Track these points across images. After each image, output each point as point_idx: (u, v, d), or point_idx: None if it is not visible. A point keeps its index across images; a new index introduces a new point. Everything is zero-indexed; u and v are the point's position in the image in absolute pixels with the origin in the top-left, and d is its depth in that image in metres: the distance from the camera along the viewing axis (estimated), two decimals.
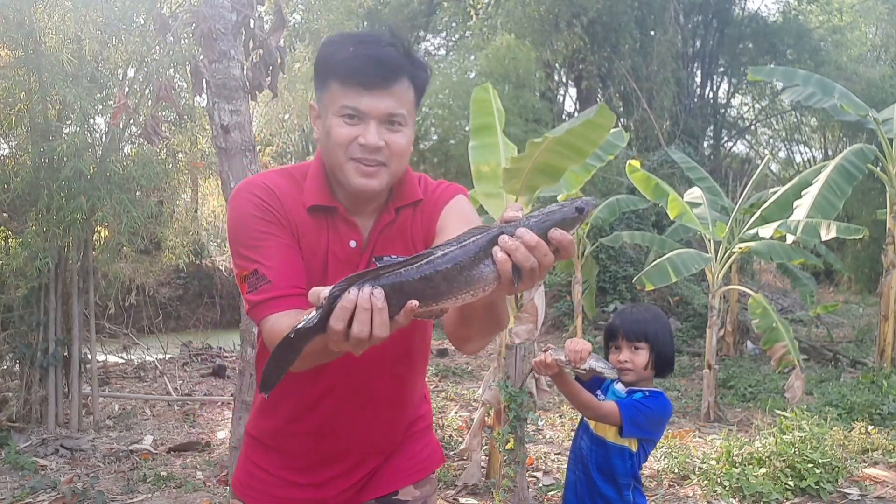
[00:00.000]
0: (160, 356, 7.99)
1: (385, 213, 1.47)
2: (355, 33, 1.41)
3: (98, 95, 5.03)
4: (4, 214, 5.19)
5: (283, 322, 1.27)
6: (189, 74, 4.37)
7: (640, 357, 2.21)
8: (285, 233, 1.41)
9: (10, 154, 5.23)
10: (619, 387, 2.29)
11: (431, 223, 1.48)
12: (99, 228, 5.50)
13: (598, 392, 2.30)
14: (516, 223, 1.09)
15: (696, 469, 4.16)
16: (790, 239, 5.95)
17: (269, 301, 1.34)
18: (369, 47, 1.34)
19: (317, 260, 1.44)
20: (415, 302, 1.07)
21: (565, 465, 4.46)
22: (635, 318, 2.24)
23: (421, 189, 1.51)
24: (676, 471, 4.16)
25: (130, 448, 4.84)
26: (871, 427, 4.95)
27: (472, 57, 13.50)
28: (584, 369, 2.07)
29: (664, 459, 4.28)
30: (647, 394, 2.23)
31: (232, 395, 5.27)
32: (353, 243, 1.45)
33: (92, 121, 5.20)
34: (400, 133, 1.38)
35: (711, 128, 18.07)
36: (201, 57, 3.97)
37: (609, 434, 2.22)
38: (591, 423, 2.28)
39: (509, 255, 1.05)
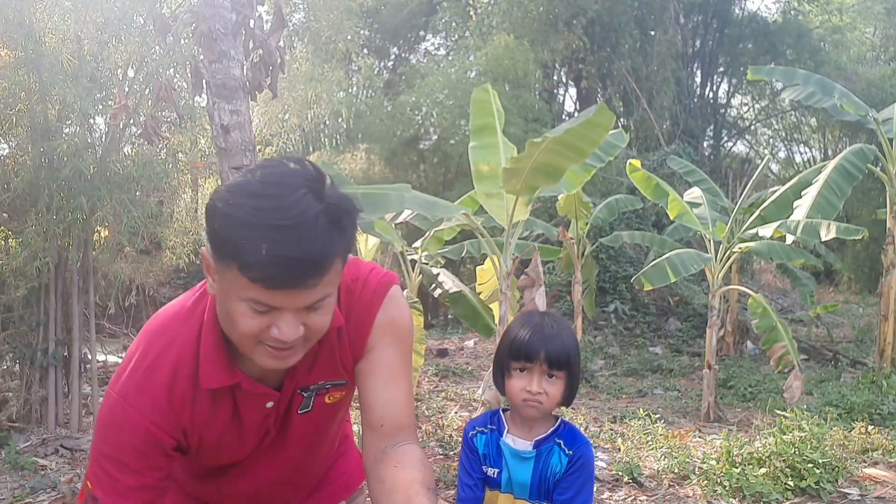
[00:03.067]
0: None
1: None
2: (266, 207, 1.03)
3: (98, 95, 5.03)
4: (4, 214, 5.18)
5: None
6: (189, 74, 4.38)
7: (555, 388, 1.66)
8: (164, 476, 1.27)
9: (10, 154, 5.22)
10: (519, 444, 1.70)
11: (361, 340, 1.31)
12: (99, 228, 5.49)
13: (486, 467, 1.72)
14: None
15: (696, 469, 4.16)
16: (790, 239, 5.95)
17: None
18: (289, 245, 1.02)
19: (228, 437, 1.30)
20: None
21: None
22: (556, 334, 1.67)
23: (344, 305, 1.28)
24: (676, 471, 4.16)
25: None
26: (871, 427, 4.95)
27: (472, 57, 13.50)
28: None
29: (664, 459, 4.28)
30: (570, 452, 1.68)
31: None
32: (269, 404, 1.30)
33: (92, 121, 5.21)
34: (322, 310, 1.14)
35: (711, 128, 18.06)
36: (201, 57, 3.98)
37: None
38: None
39: None
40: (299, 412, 1.33)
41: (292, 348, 1.15)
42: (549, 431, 1.70)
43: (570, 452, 1.68)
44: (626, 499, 3.83)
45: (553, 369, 1.65)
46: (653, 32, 15.16)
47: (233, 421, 1.29)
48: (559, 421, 1.73)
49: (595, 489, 3.77)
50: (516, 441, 1.71)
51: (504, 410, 1.76)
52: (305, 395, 1.31)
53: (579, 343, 7.24)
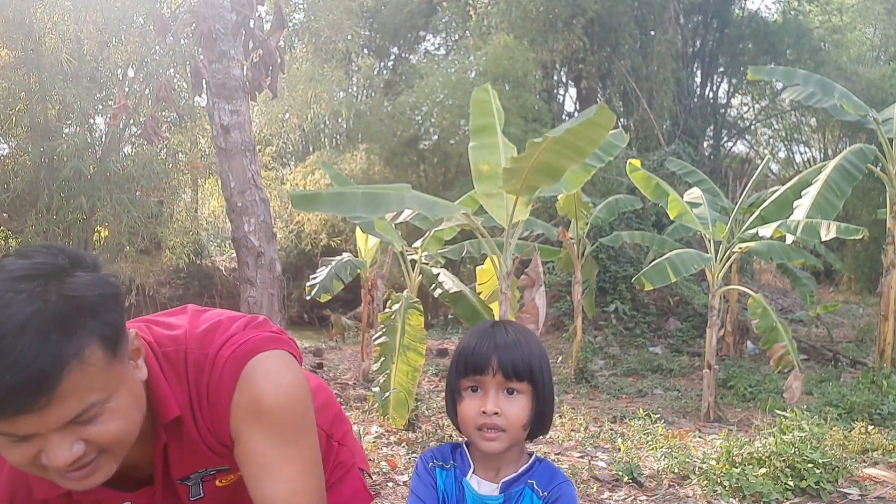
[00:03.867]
0: None
1: (155, 440, 1.12)
2: None
3: (98, 95, 5.05)
4: (4, 214, 5.19)
5: None
6: (189, 74, 4.38)
7: (516, 406, 1.32)
8: None
9: (10, 154, 5.23)
10: (484, 488, 1.38)
11: (221, 426, 1.12)
12: (99, 228, 5.51)
13: None
14: None
15: (696, 469, 4.15)
16: (790, 239, 5.95)
17: None
18: None
19: None
20: None
21: (565, 465, 4.47)
22: (513, 341, 1.34)
23: (193, 387, 1.11)
24: (676, 471, 4.15)
25: None
26: (871, 427, 4.95)
27: (472, 57, 13.51)
28: None
29: (664, 459, 4.28)
30: (545, 494, 1.36)
31: None
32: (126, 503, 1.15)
33: (92, 121, 5.22)
34: (101, 419, 0.94)
35: (711, 128, 18.07)
36: (201, 57, 3.98)
37: None
38: None
39: None
40: (192, 500, 1.21)
41: (87, 466, 0.97)
42: (519, 471, 1.38)
43: (546, 494, 1.36)
44: (626, 499, 3.83)
45: (512, 381, 1.32)
46: (653, 32, 15.17)
47: None
48: (532, 457, 1.42)
49: (595, 489, 3.78)
50: (481, 484, 1.39)
51: (468, 444, 1.43)
52: (190, 483, 1.19)
53: (579, 343, 7.16)
